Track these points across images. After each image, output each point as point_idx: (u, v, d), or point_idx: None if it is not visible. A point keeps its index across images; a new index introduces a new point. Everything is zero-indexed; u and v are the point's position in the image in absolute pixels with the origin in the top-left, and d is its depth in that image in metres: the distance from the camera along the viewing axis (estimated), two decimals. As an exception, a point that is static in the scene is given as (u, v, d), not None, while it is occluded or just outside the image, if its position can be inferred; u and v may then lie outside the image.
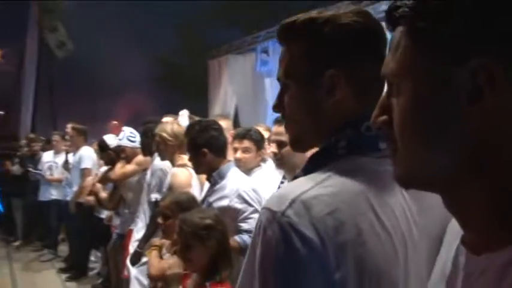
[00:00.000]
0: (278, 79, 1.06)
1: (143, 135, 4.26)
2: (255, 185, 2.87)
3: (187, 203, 2.70)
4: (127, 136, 4.66)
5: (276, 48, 7.13)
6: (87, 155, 6.62)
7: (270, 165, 3.34)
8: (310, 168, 0.98)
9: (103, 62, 15.79)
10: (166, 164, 3.75)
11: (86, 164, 6.55)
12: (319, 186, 0.89)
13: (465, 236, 0.67)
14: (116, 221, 5.39)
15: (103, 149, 5.49)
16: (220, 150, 2.89)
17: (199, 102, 9.65)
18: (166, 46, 17.10)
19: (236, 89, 9.12)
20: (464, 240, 0.67)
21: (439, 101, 0.62)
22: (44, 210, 8.13)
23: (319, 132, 1.01)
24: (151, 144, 3.95)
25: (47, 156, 8.09)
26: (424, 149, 0.64)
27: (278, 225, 0.84)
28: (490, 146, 0.59)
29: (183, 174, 3.45)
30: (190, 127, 3.04)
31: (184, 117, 4.01)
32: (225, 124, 3.57)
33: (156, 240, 2.93)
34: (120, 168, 4.80)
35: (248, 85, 8.86)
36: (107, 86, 16.44)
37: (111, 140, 5.26)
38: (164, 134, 3.59)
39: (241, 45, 9.05)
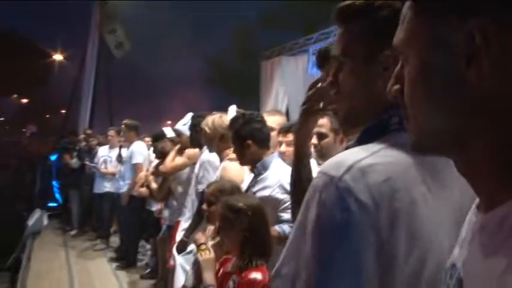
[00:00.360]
0: (334, 58, 1.12)
1: (192, 129, 4.34)
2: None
3: (230, 190, 2.73)
4: (189, 125, 4.76)
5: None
6: (138, 150, 6.77)
7: (313, 161, 3.37)
8: (364, 139, 1.02)
9: (158, 62, 16.18)
10: (214, 156, 3.81)
11: (137, 159, 6.70)
12: (375, 156, 0.91)
13: (479, 200, 0.69)
14: (166, 214, 5.52)
15: (157, 139, 5.62)
16: (263, 142, 2.93)
17: (250, 102, 9.74)
18: (219, 47, 17.33)
19: (288, 90, 9.14)
20: (478, 205, 0.69)
21: (440, 66, 0.64)
22: (97, 202, 8.43)
23: (372, 108, 1.05)
24: (200, 138, 4.05)
25: (103, 151, 8.34)
26: (431, 113, 0.67)
27: (335, 189, 0.87)
28: (490, 106, 0.60)
29: (233, 169, 3.40)
30: (234, 120, 3.08)
31: (232, 112, 4.09)
32: (280, 119, 3.60)
33: (200, 238, 2.75)
34: (171, 162, 4.92)
35: (299, 86, 8.84)
36: (161, 85, 16.85)
37: (169, 132, 5.37)
38: (205, 127, 3.67)
39: (293, 47, 9.08)
